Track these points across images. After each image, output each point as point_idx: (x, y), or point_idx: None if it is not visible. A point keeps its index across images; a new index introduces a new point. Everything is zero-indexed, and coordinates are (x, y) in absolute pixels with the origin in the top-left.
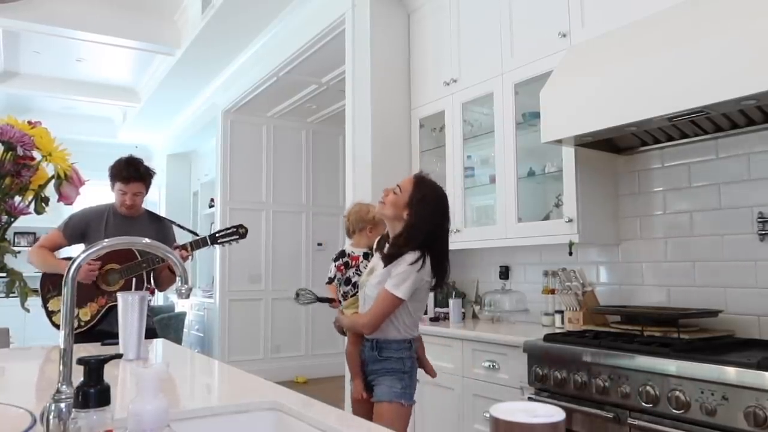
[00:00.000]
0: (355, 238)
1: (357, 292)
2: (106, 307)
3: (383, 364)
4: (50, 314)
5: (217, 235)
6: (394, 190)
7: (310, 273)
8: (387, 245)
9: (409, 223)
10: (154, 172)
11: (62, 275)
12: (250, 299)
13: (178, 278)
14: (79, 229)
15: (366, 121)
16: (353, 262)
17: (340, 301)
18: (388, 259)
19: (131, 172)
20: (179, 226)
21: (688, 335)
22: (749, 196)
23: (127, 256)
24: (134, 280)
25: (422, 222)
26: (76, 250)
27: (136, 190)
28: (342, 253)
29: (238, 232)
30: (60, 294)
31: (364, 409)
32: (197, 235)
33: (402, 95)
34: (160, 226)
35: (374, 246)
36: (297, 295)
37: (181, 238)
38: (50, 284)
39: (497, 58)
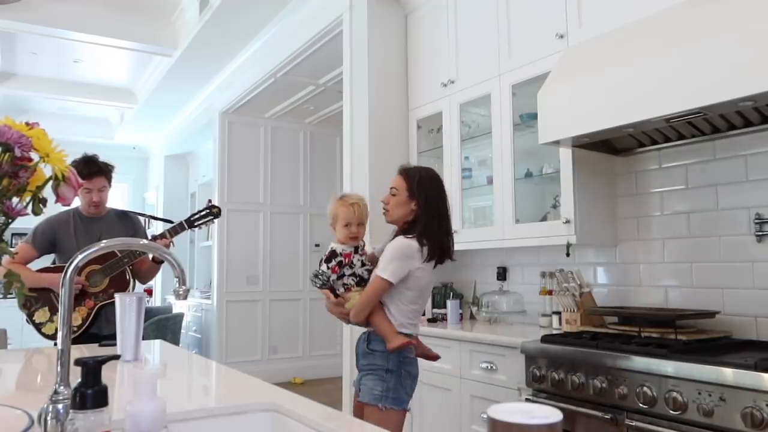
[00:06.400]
0: (361, 231)
1: (359, 280)
2: (96, 308)
3: (369, 359)
4: (38, 326)
5: (192, 218)
6: (391, 193)
7: (307, 274)
8: None
9: (420, 208)
10: (113, 166)
11: (43, 288)
12: (247, 300)
13: (175, 279)
14: (48, 238)
15: (363, 122)
16: (347, 260)
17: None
18: None
19: (92, 168)
20: (150, 216)
21: (686, 336)
22: (746, 197)
23: (107, 255)
24: (118, 276)
25: (433, 198)
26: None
27: (100, 185)
28: (333, 254)
29: (212, 212)
30: (44, 305)
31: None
32: (171, 222)
33: (399, 96)
34: (128, 222)
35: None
36: (315, 275)
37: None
38: (32, 299)
39: (494, 59)
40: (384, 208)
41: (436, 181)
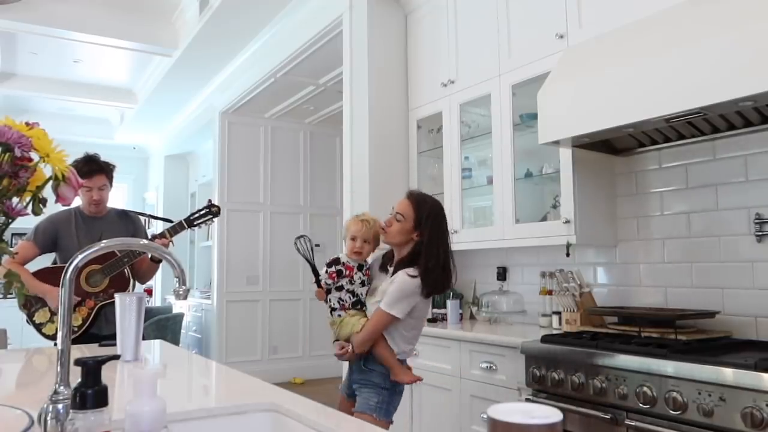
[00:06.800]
0: (366, 248)
1: (356, 300)
2: (96, 308)
3: (366, 375)
4: (38, 327)
5: (191, 217)
6: (396, 218)
7: (307, 275)
8: (390, 264)
9: (424, 241)
10: (114, 166)
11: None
12: (247, 300)
13: (175, 279)
14: (50, 236)
15: (363, 122)
16: (347, 272)
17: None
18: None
19: (92, 167)
20: (150, 216)
21: (686, 336)
22: (746, 197)
23: (107, 255)
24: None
25: (436, 237)
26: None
27: (100, 184)
28: (336, 261)
29: (211, 211)
30: (44, 305)
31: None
32: (171, 221)
33: (399, 96)
34: (128, 222)
35: (377, 265)
36: (301, 237)
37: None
38: (32, 299)
39: (494, 59)
40: (383, 229)
41: (442, 214)
